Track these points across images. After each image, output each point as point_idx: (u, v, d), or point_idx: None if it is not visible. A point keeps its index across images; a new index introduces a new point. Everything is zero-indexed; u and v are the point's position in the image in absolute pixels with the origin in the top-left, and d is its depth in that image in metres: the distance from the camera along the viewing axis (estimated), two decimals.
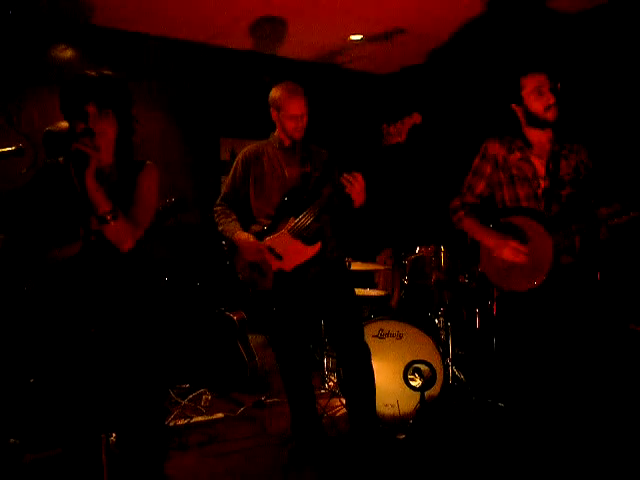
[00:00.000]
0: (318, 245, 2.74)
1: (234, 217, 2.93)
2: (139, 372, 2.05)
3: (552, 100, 2.44)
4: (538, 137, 2.55)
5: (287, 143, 2.87)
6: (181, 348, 4.19)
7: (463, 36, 4.55)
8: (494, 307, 2.71)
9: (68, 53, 4.24)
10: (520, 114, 2.55)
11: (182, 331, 4.28)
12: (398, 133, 2.55)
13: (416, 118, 2.54)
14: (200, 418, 3.55)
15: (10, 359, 2.51)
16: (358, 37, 4.63)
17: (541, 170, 2.53)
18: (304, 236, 2.74)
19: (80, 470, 2.02)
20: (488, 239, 2.58)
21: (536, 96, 2.47)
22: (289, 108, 2.76)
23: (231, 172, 2.98)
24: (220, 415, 3.62)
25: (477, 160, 2.69)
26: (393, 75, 5.57)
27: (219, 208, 2.99)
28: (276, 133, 2.91)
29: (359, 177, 2.59)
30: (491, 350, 3.69)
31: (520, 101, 2.52)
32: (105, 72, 2.05)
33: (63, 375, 1.97)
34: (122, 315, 2.03)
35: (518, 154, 2.56)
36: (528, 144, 2.56)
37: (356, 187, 2.58)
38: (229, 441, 3.22)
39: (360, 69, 5.49)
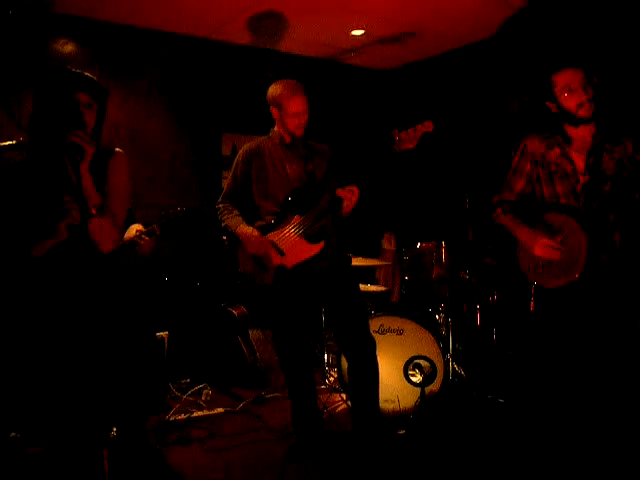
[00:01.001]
0: (321, 244, 2.75)
1: (237, 212, 2.93)
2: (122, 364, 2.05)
3: (584, 97, 2.38)
4: (579, 133, 2.49)
5: (288, 140, 2.86)
6: (182, 343, 4.19)
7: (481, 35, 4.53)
8: (531, 304, 2.67)
9: (69, 48, 4.23)
10: (555, 111, 2.50)
11: (183, 326, 4.29)
12: (409, 140, 2.57)
13: (428, 126, 2.56)
14: (200, 413, 3.56)
15: (8, 353, 2.51)
16: (359, 32, 4.62)
17: (581, 166, 2.48)
18: (308, 234, 2.75)
19: (81, 464, 2.03)
20: (523, 236, 2.58)
21: (568, 93, 2.41)
22: (290, 106, 2.75)
23: (232, 169, 2.98)
24: (220, 410, 3.63)
25: (516, 157, 2.66)
26: (395, 70, 5.55)
27: (221, 205, 3.00)
28: (276, 129, 2.89)
29: (355, 191, 2.64)
30: (492, 346, 3.69)
31: (553, 98, 2.47)
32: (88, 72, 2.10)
33: (57, 369, 1.97)
34: (112, 310, 2.02)
35: (557, 150, 2.52)
36: (568, 140, 2.51)
37: (352, 200, 2.66)
38: (229, 436, 3.23)
39: (362, 65, 5.47)
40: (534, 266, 2.55)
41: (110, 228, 1.97)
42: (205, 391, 3.84)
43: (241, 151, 2.96)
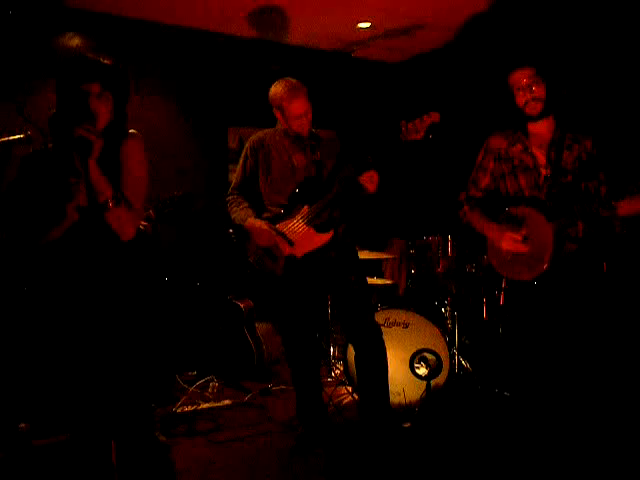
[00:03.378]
0: (330, 233, 2.76)
1: (246, 205, 2.93)
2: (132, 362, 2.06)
3: (529, 95, 2.47)
4: (537, 128, 2.57)
5: (293, 133, 2.86)
6: (189, 335, 4.22)
7: (471, 27, 4.51)
8: (501, 297, 2.72)
9: (75, 42, 4.24)
10: (513, 109, 2.57)
11: (190, 319, 4.31)
12: (416, 131, 2.58)
13: (434, 117, 2.58)
14: (207, 405, 3.59)
15: (18, 345, 2.54)
16: (366, 25, 4.60)
17: (542, 159, 2.55)
18: (317, 224, 2.76)
19: (89, 456, 2.05)
20: (488, 231, 2.65)
21: (517, 92, 2.51)
22: (292, 109, 2.73)
23: (240, 161, 2.98)
24: (227, 402, 3.65)
25: (480, 155, 2.74)
26: (403, 63, 5.53)
27: (230, 197, 3.00)
28: (282, 125, 2.89)
29: (375, 175, 2.66)
30: (497, 340, 3.69)
31: (512, 96, 2.55)
32: (106, 58, 2.03)
33: (69, 362, 1.99)
34: (120, 301, 2.03)
35: (519, 146, 2.60)
36: (527, 135, 2.58)
37: (373, 186, 2.67)
38: (236, 428, 3.25)
39: (369, 57, 5.45)
40: (503, 260, 2.60)
41: (127, 216, 1.94)
42: (212, 383, 3.87)
43: (247, 142, 2.96)
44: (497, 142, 2.66)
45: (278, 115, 2.82)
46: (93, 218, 1.93)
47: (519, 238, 2.51)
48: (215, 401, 3.65)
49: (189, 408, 3.50)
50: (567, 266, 2.47)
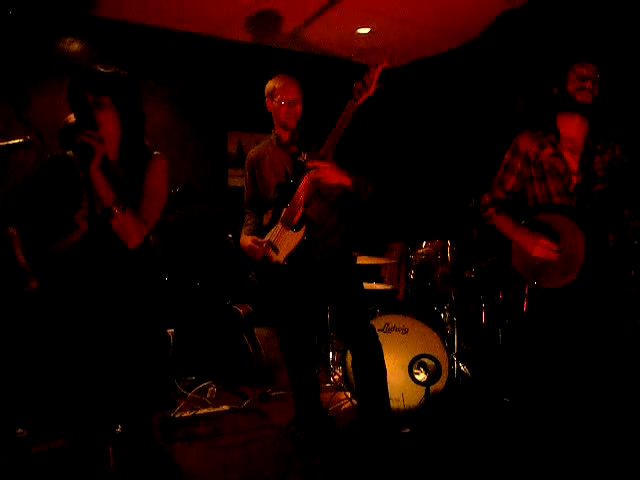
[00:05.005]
0: (302, 230, 2.73)
1: (249, 223, 3.00)
2: (138, 366, 2.05)
3: (589, 84, 2.40)
4: (569, 130, 2.50)
5: (284, 138, 2.86)
6: (187, 340, 4.21)
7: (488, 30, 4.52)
8: (524, 304, 2.68)
9: (75, 46, 4.25)
10: (556, 96, 2.50)
11: (188, 324, 4.30)
12: (366, 87, 2.52)
13: (380, 62, 2.51)
14: (206, 410, 3.58)
15: (18, 352, 2.53)
16: (365, 31, 4.62)
17: (573, 165, 2.50)
18: (294, 225, 2.76)
19: (87, 461, 2.04)
20: (519, 236, 2.57)
21: (575, 80, 2.43)
22: (282, 93, 2.78)
23: (244, 177, 3.06)
24: (226, 407, 3.64)
25: (508, 155, 2.66)
26: (402, 68, 5.54)
27: (245, 216, 3.07)
28: (275, 129, 2.91)
29: (324, 164, 2.57)
30: (497, 345, 3.68)
31: (562, 84, 2.47)
32: (112, 67, 2.03)
33: (69, 368, 1.98)
34: (125, 309, 2.03)
35: (550, 149, 2.53)
36: (559, 138, 2.52)
37: (326, 172, 2.58)
38: (234, 433, 3.24)
39: (369, 63, 5.45)
40: (531, 266, 2.55)
41: (133, 224, 1.96)
42: (210, 388, 3.85)
43: (247, 158, 3.03)
44: (527, 144, 2.58)
45: (269, 105, 2.85)
46: (102, 227, 1.94)
47: (554, 246, 2.46)
48: (214, 406, 3.64)
49: (188, 413, 3.49)
50: (595, 275, 2.42)
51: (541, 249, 2.48)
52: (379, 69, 2.52)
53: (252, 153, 3.01)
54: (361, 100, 2.54)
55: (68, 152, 2.07)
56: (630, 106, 3.66)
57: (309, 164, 2.61)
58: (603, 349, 2.44)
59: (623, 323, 2.47)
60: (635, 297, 2.64)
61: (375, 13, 4.23)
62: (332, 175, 2.60)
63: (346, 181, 2.63)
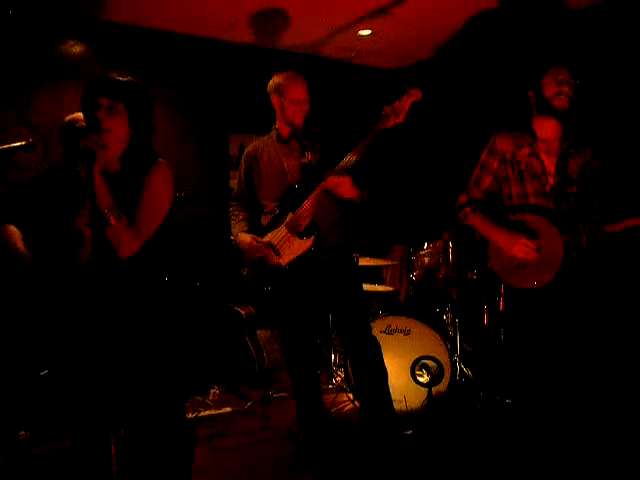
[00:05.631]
0: (311, 239, 2.73)
1: (241, 217, 2.97)
2: (147, 370, 2.05)
3: (566, 89, 2.44)
4: (545, 132, 2.54)
5: (286, 134, 2.85)
6: (190, 343, 4.20)
7: (475, 29, 4.52)
8: (501, 303, 2.70)
9: (78, 49, 4.25)
10: (532, 101, 2.54)
11: (190, 326, 4.30)
12: (395, 114, 2.52)
13: (415, 94, 2.51)
14: (208, 412, 3.58)
15: (21, 353, 2.53)
16: (366, 32, 4.62)
17: (550, 167, 2.53)
18: (299, 231, 2.74)
19: (89, 463, 2.04)
20: (498, 236, 2.57)
21: (551, 84, 2.46)
22: (292, 92, 2.76)
23: (238, 171, 3.03)
24: (228, 409, 3.64)
25: (484, 155, 2.68)
26: (402, 70, 5.55)
27: (231, 209, 3.04)
28: (276, 125, 2.89)
29: (344, 179, 2.60)
30: (499, 346, 3.68)
31: (538, 88, 2.50)
32: (128, 76, 2.05)
33: (73, 370, 1.98)
34: (129, 316, 2.03)
35: (527, 150, 2.56)
36: (535, 139, 2.56)
37: (345, 187, 2.62)
38: (236, 435, 3.24)
39: (370, 64, 5.47)
40: (508, 266, 2.56)
41: (125, 235, 1.93)
42: (213, 390, 3.86)
43: (243, 154, 3.01)
44: (503, 144, 2.60)
45: (275, 101, 2.82)
46: (102, 233, 1.94)
47: (533, 246, 2.48)
48: (216, 408, 3.64)
49: (190, 415, 3.49)
50: (570, 274, 2.46)
51: (520, 248, 2.49)
52: (412, 99, 2.52)
53: (250, 147, 2.98)
54: (388, 125, 2.55)
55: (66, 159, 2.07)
56: (602, 109, 3.69)
57: (331, 180, 2.61)
58: (583, 348, 2.47)
59: (599, 320, 2.50)
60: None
61: (376, 14, 4.23)
62: (349, 190, 2.63)
63: (354, 195, 2.66)
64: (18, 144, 2.06)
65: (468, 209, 2.69)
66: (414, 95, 2.51)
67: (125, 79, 2.02)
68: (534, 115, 2.56)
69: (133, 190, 2.02)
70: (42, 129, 3.82)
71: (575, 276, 2.48)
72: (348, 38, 4.74)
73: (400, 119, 2.52)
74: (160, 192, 2.05)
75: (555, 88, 2.44)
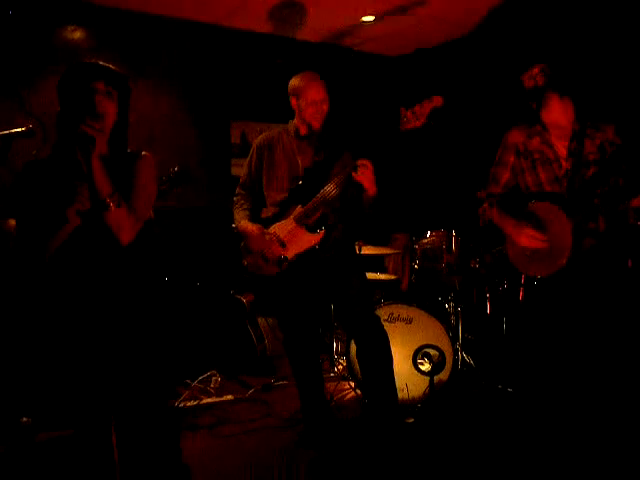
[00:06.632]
0: (320, 234, 2.73)
1: (245, 207, 2.95)
2: (139, 358, 2.05)
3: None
4: (553, 118, 2.51)
5: (303, 132, 2.83)
6: (191, 330, 4.21)
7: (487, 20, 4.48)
8: (520, 292, 2.68)
9: (78, 35, 4.22)
10: (540, 82, 2.51)
11: (192, 313, 4.30)
12: (416, 117, 2.51)
13: (437, 101, 2.49)
14: (209, 400, 3.58)
15: (22, 340, 2.53)
16: (370, 18, 4.57)
17: (563, 151, 2.51)
18: (308, 224, 2.73)
19: (91, 450, 2.04)
20: (507, 228, 2.60)
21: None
22: (308, 93, 2.73)
23: (247, 160, 2.99)
24: (229, 397, 3.64)
25: (499, 151, 2.70)
26: (407, 57, 5.50)
27: (236, 198, 3.02)
28: (294, 121, 2.87)
29: (368, 164, 2.57)
30: (501, 335, 3.67)
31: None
32: (115, 65, 2.07)
33: (73, 358, 1.98)
34: (124, 304, 2.02)
35: (538, 138, 2.56)
36: (545, 127, 2.54)
37: (367, 175, 2.57)
38: (238, 423, 3.24)
39: (373, 51, 5.43)
40: (522, 257, 2.57)
41: (126, 220, 1.95)
42: (214, 378, 3.86)
43: (256, 141, 2.97)
44: (515, 137, 2.62)
45: (294, 103, 2.81)
46: (96, 221, 1.93)
47: (538, 235, 2.47)
48: (217, 396, 3.65)
49: (191, 403, 3.50)
50: (586, 262, 2.42)
51: (526, 238, 2.50)
52: (433, 104, 2.49)
53: (264, 137, 2.93)
54: (408, 128, 2.52)
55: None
56: (626, 88, 3.63)
57: (360, 161, 2.56)
58: (600, 338, 2.44)
59: (620, 310, 2.45)
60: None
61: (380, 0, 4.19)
62: (370, 178, 2.58)
63: (373, 189, 2.62)
64: (18, 130, 2.04)
65: (486, 204, 2.72)
66: (436, 101, 2.49)
67: (114, 67, 2.05)
68: (541, 102, 2.51)
69: (122, 179, 2.01)
70: (42, 116, 3.80)
71: (591, 264, 2.43)
72: (351, 24, 4.70)
73: (419, 123, 2.51)
74: (149, 179, 2.10)
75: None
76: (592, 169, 2.46)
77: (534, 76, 2.46)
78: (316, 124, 2.77)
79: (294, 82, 2.81)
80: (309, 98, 2.73)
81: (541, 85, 2.46)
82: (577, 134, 2.48)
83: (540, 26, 4.22)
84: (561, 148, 2.51)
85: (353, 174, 2.58)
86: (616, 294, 2.46)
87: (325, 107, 2.78)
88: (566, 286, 2.46)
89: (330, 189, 2.68)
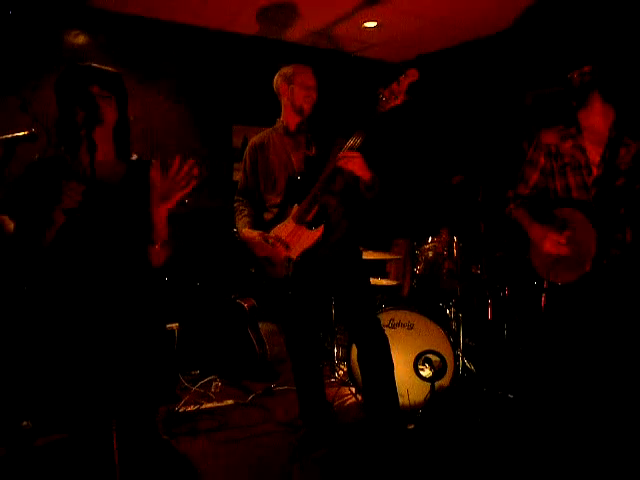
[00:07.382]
0: (321, 229, 2.70)
1: (246, 213, 2.95)
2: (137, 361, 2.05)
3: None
4: (591, 121, 2.45)
5: (293, 126, 2.83)
6: (192, 335, 4.21)
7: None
8: (542, 299, 2.66)
9: (81, 39, 4.23)
10: (576, 83, 2.45)
11: (193, 318, 4.30)
12: (395, 96, 2.47)
13: (412, 75, 2.45)
14: (210, 405, 3.58)
15: (21, 344, 2.53)
16: (372, 24, 4.58)
17: (595, 158, 2.43)
18: (307, 221, 2.72)
19: (92, 453, 2.04)
20: (531, 231, 2.56)
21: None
22: (301, 77, 2.77)
23: (242, 165, 3.00)
24: (230, 402, 3.64)
25: (531, 150, 2.64)
26: (408, 63, 5.51)
27: (236, 204, 3.02)
28: (281, 118, 2.87)
29: (355, 153, 2.54)
30: (502, 341, 3.67)
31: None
32: (112, 68, 2.07)
33: (73, 361, 1.98)
34: (124, 305, 2.02)
35: (570, 141, 2.49)
36: (580, 130, 2.47)
37: (355, 162, 2.54)
38: (238, 428, 3.24)
39: (374, 57, 5.44)
40: (545, 262, 2.53)
41: (165, 253, 2.06)
42: (215, 383, 3.86)
43: (248, 145, 2.97)
44: (548, 137, 2.55)
45: (283, 89, 2.81)
46: (95, 221, 1.93)
47: (562, 240, 2.43)
48: (218, 401, 3.64)
49: (192, 407, 3.49)
50: (610, 272, 2.37)
51: (550, 243, 2.46)
52: (409, 79, 2.46)
53: (255, 139, 2.94)
54: (387, 108, 2.50)
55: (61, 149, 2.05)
56: None
57: (341, 154, 2.54)
58: (618, 349, 2.40)
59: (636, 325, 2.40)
60: None
61: (382, 6, 4.19)
62: (360, 167, 2.56)
63: (367, 175, 2.60)
64: (21, 134, 2.04)
65: (512, 205, 2.68)
66: (411, 75, 2.46)
67: (110, 69, 2.04)
68: (579, 106, 2.46)
69: (132, 184, 2.04)
70: (46, 120, 3.81)
71: (615, 274, 2.38)
72: (353, 30, 4.71)
73: (399, 101, 2.48)
74: None
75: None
76: (622, 179, 2.38)
77: (584, 74, 2.39)
78: (307, 107, 2.78)
79: (285, 70, 2.83)
80: (301, 81, 2.76)
81: (587, 83, 2.38)
82: (613, 141, 2.40)
83: (567, 32, 4.14)
84: (594, 154, 2.44)
85: (341, 165, 2.55)
86: (638, 307, 2.40)
87: (314, 95, 2.79)
88: (588, 295, 2.42)
89: (321, 179, 2.65)
